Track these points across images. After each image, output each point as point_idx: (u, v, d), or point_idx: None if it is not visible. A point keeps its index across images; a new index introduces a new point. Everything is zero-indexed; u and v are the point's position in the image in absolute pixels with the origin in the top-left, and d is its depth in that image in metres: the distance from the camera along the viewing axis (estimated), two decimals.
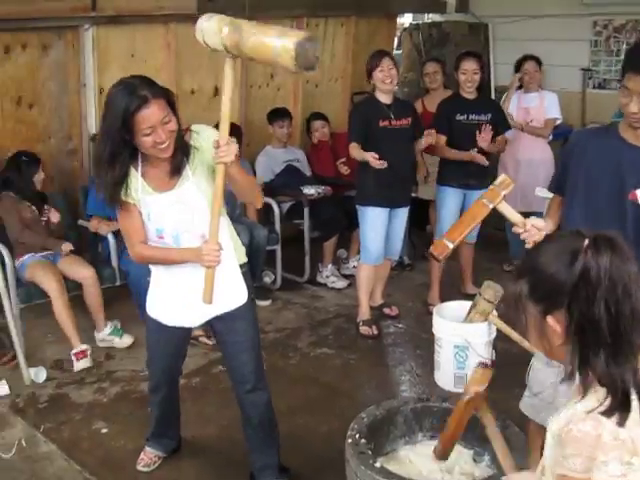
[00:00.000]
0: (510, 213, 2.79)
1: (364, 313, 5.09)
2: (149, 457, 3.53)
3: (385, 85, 4.75)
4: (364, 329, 5.02)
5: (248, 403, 3.18)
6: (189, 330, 3.24)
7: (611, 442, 1.41)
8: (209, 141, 2.73)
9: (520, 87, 6.02)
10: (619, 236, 1.51)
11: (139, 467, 3.50)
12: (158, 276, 3.04)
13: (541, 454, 1.78)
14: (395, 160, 4.74)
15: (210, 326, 3.20)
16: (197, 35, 2.49)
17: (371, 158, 4.60)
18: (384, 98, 4.81)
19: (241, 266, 3.02)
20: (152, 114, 2.60)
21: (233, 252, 2.98)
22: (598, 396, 1.47)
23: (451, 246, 2.82)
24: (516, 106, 5.84)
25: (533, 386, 3.07)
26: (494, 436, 2.47)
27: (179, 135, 2.74)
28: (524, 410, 3.11)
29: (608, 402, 1.45)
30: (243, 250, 3.11)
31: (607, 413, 1.44)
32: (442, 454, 2.64)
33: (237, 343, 3.07)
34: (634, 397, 1.46)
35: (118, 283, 4.98)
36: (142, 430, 3.60)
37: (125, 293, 4.98)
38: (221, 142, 2.57)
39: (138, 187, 2.79)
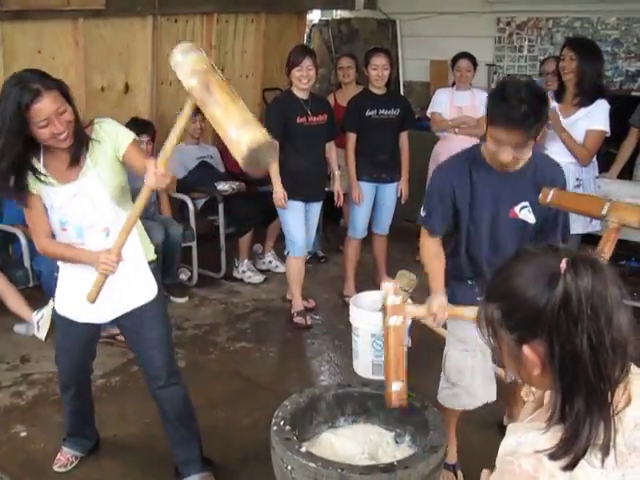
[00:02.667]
0: (416, 313, 3.00)
1: (298, 305, 5.17)
2: (66, 457, 3.50)
3: (301, 84, 4.83)
4: (298, 319, 5.10)
5: (163, 398, 3.19)
6: (98, 327, 3.22)
7: None
8: (111, 135, 2.83)
9: (453, 84, 6.13)
10: (598, 256, 1.40)
11: (55, 468, 3.46)
12: (66, 272, 3.03)
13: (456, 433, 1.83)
14: (310, 156, 4.83)
15: (118, 324, 3.19)
16: (170, 61, 2.42)
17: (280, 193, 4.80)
18: (301, 94, 4.88)
19: (149, 262, 3.05)
20: (45, 106, 2.62)
21: (141, 249, 3.01)
22: (558, 436, 1.33)
23: (401, 385, 2.80)
24: (448, 104, 5.88)
25: (451, 376, 3.16)
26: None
27: (77, 125, 2.77)
28: (443, 402, 3.20)
29: (563, 444, 1.32)
30: (152, 247, 3.14)
31: (556, 456, 1.31)
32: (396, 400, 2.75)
33: (147, 340, 3.08)
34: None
35: (31, 284, 4.88)
36: (62, 433, 3.54)
37: (39, 294, 4.89)
38: (157, 171, 2.51)
39: (41, 178, 2.80)
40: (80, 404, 3.42)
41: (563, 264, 1.32)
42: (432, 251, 3.09)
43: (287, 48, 7.25)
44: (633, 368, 1.40)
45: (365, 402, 2.99)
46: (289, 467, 2.52)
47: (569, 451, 1.30)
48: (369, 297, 4.51)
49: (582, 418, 1.31)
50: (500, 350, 1.45)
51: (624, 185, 5.05)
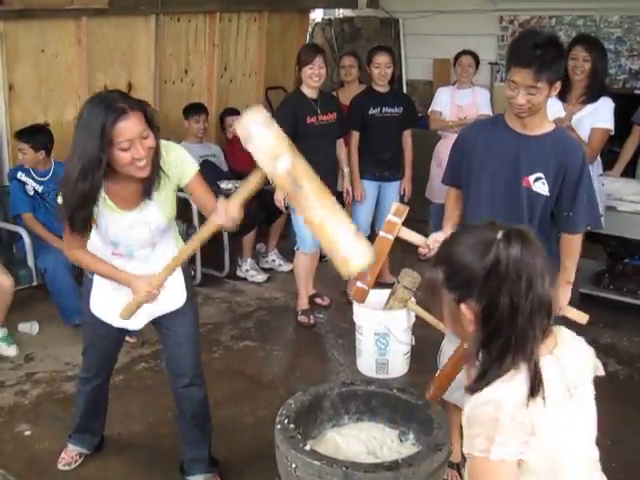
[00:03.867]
0: (412, 237, 2.94)
1: (303, 303, 5.17)
2: (70, 455, 3.49)
3: (312, 82, 4.82)
4: (302, 318, 5.10)
5: (184, 397, 3.19)
6: (128, 330, 3.24)
7: (509, 423, 1.49)
8: (176, 166, 2.74)
9: (455, 83, 6.12)
10: (530, 231, 1.59)
11: (60, 466, 3.46)
12: (102, 278, 2.97)
13: (460, 433, 1.89)
14: (321, 155, 4.84)
15: (152, 321, 3.16)
16: (241, 126, 2.24)
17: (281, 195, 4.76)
18: (310, 93, 4.88)
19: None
20: (131, 126, 2.49)
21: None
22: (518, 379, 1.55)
23: (367, 289, 3.08)
24: (449, 103, 5.88)
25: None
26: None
27: (157, 156, 2.65)
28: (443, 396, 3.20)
29: (480, 375, 1.58)
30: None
31: (475, 387, 1.57)
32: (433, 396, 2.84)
33: (178, 335, 3.09)
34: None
35: (35, 283, 4.89)
36: (66, 431, 3.54)
37: (43, 293, 4.90)
38: (230, 211, 2.47)
39: (100, 204, 2.67)
40: (97, 396, 3.41)
41: (499, 235, 1.55)
42: (450, 201, 3.23)
43: (290, 47, 7.30)
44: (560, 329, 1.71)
45: (369, 400, 2.99)
46: (293, 465, 2.52)
47: (485, 379, 1.55)
48: (372, 296, 4.51)
49: (495, 359, 1.56)
50: (442, 310, 1.67)
51: (627, 183, 5.06)
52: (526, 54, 2.73)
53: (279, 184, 2.21)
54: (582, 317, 2.99)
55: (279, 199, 4.85)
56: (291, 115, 4.82)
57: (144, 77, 6.04)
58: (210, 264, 5.90)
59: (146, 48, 5.97)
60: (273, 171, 2.21)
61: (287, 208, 4.99)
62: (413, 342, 4.34)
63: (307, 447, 2.55)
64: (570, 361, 1.65)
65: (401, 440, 2.90)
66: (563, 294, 2.98)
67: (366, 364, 4.36)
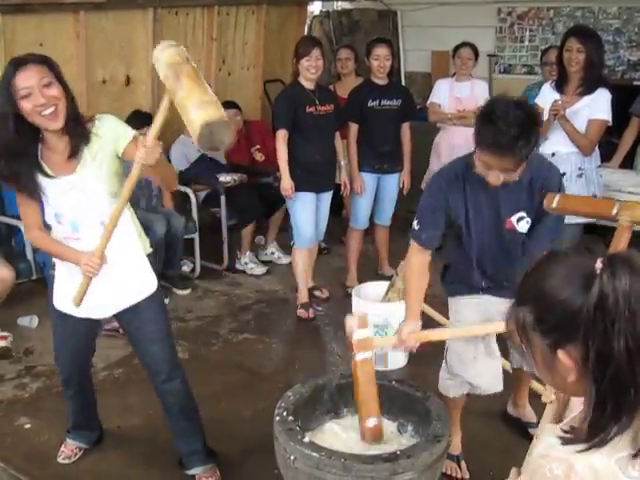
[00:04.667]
0: (381, 343, 2.99)
1: (302, 297, 5.18)
2: (70, 449, 3.51)
3: (310, 74, 4.84)
4: (301, 312, 5.11)
5: (166, 393, 3.19)
6: (98, 322, 3.22)
7: None
8: (111, 130, 2.79)
9: (454, 75, 6.12)
10: (637, 255, 1.30)
11: (60, 459, 3.47)
12: (63, 266, 3.00)
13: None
14: (321, 146, 4.86)
15: (117, 319, 3.19)
16: (152, 59, 2.52)
17: (288, 183, 4.81)
18: (308, 84, 4.89)
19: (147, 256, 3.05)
20: (28, 76, 2.61)
21: (139, 242, 3.01)
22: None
23: (376, 423, 2.79)
24: (448, 95, 5.86)
25: (453, 366, 3.16)
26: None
27: (76, 115, 2.76)
28: (444, 392, 3.21)
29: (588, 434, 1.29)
30: (147, 241, 3.12)
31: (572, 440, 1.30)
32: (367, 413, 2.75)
33: (146, 334, 3.08)
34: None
35: (34, 277, 4.90)
36: (66, 424, 3.55)
37: (42, 286, 4.89)
38: (147, 143, 2.53)
39: (42, 169, 2.78)
40: (82, 400, 3.43)
41: (599, 264, 1.26)
42: (417, 268, 3.09)
43: (288, 40, 7.29)
44: None
45: None
46: (292, 457, 2.53)
47: (588, 440, 1.27)
48: (371, 288, 4.55)
49: (609, 418, 1.27)
50: (533, 357, 1.38)
51: (626, 175, 5.07)
52: (503, 139, 2.56)
53: (166, 83, 2.41)
54: None
55: (286, 188, 4.85)
56: (289, 104, 4.84)
57: (142, 71, 6.03)
58: (209, 257, 5.91)
59: (144, 42, 5.95)
60: (165, 77, 2.42)
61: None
62: None
63: (306, 439, 2.56)
64: None
65: (400, 432, 2.92)
66: None
67: None
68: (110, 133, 2.80)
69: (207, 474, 3.29)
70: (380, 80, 5.23)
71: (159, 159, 2.61)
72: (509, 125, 2.54)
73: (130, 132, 2.84)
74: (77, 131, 2.77)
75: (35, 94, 2.62)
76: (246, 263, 5.94)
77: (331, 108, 4.98)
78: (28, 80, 2.61)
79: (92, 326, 3.19)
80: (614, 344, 1.22)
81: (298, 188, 4.92)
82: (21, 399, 4.03)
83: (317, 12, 8.53)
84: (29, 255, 4.82)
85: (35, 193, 2.82)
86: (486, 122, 2.62)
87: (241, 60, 6.98)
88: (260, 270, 5.91)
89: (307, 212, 5.02)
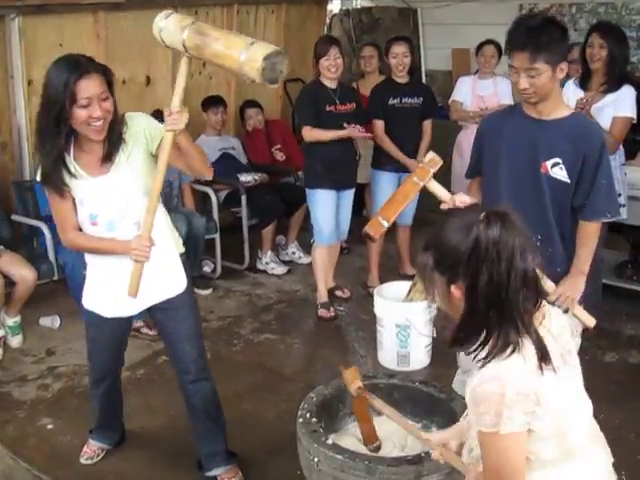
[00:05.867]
0: (439, 190, 2.86)
1: (322, 296, 5.15)
2: (92, 450, 3.50)
3: (330, 74, 4.84)
4: (322, 311, 5.08)
5: (192, 393, 3.18)
6: (129, 320, 3.21)
7: (514, 397, 1.56)
8: (144, 129, 2.80)
9: (476, 72, 6.08)
10: (512, 211, 1.64)
11: (82, 460, 3.47)
12: (93, 267, 3.00)
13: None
14: (341, 144, 4.84)
15: (151, 316, 3.19)
16: (154, 31, 2.56)
17: (348, 132, 4.81)
18: (329, 83, 4.89)
19: (179, 256, 3.03)
20: (92, 85, 2.61)
21: (172, 240, 2.99)
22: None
23: (386, 225, 2.86)
24: (470, 94, 5.80)
25: (463, 364, 3.14)
26: (389, 412, 2.55)
27: (114, 121, 2.74)
28: (456, 389, 3.18)
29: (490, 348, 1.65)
30: (180, 240, 3.12)
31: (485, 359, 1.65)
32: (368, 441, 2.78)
33: (178, 332, 3.07)
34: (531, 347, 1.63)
35: (56, 277, 4.92)
36: (88, 425, 3.55)
37: (64, 287, 4.92)
38: (173, 110, 2.58)
39: (71, 170, 2.77)
40: (110, 398, 3.42)
41: (480, 217, 1.61)
42: (473, 189, 3.20)
43: (308, 38, 7.27)
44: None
45: (392, 393, 2.98)
46: (315, 459, 2.52)
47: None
48: (393, 288, 4.52)
49: (499, 336, 1.63)
50: (435, 293, 1.72)
51: None
52: (520, 37, 2.75)
53: (191, 47, 2.44)
54: (590, 320, 2.86)
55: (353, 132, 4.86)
56: (310, 101, 4.84)
57: (163, 70, 6.05)
58: (230, 257, 5.90)
59: None
60: (184, 38, 2.44)
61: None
62: (434, 334, 4.31)
63: (329, 441, 2.55)
64: (559, 330, 1.74)
65: None
66: (574, 285, 2.86)
67: (387, 357, 4.34)
68: (143, 132, 2.80)
69: (229, 474, 3.28)
70: (400, 79, 5.20)
71: (187, 134, 2.66)
72: (527, 27, 2.75)
73: (162, 130, 2.83)
74: (114, 137, 2.76)
75: (94, 105, 2.62)
76: (267, 263, 5.93)
77: (352, 107, 4.96)
78: (90, 90, 2.61)
79: (124, 324, 3.19)
80: (479, 279, 1.59)
81: (319, 185, 4.91)
82: (43, 400, 4.03)
83: (337, 10, 8.50)
84: (51, 256, 4.83)
85: (67, 193, 2.81)
86: (511, 28, 2.84)
87: None
88: (281, 270, 5.90)
89: (327, 209, 4.99)
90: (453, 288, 1.65)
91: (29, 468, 3.42)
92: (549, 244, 2.84)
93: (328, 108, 4.85)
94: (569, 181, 2.83)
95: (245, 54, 2.30)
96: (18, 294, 4.57)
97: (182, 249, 3.07)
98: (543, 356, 1.62)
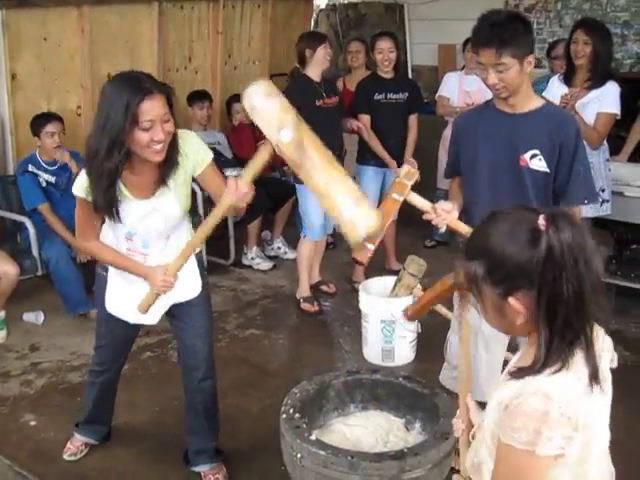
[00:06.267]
0: (419, 201, 2.85)
1: (304, 290, 5.15)
2: (76, 446, 3.48)
3: (326, 63, 4.89)
4: (305, 306, 5.09)
5: (198, 391, 3.16)
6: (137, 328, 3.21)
7: (558, 418, 1.43)
8: (193, 154, 2.74)
9: (462, 68, 6.09)
10: (569, 211, 1.52)
11: (65, 456, 3.44)
12: (115, 272, 2.96)
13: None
14: (329, 138, 4.81)
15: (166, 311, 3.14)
16: (244, 103, 2.20)
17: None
18: (315, 77, 4.90)
19: (196, 254, 2.99)
20: (155, 107, 2.51)
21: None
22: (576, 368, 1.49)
23: (372, 247, 2.77)
24: (457, 89, 5.84)
25: (451, 360, 3.14)
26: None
27: (173, 143, 2.65)
28: (444, 383, 3.18)
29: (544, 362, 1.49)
30: None
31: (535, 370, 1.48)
32: (412, 316, 2.79)
33: (192, 328, 3.06)
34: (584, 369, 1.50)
35: (40, 273, 4.89)
36: (72, 421, 3.54)
37: (47, 282, 4.90)
38: (241, 189, 2.39)
39: (116, 193, 2.67)
40: (108, 390, 3.40)
41: (542, 220, 1.45)
42: (453, 189, 3.18)
43: (294, 33, 7.23)
44: None
45: (375, 389, 2.98)
46: (299, 455, 2.51)
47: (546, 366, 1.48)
48: (379, 283, 4.52)
49: (563, 350, 1.48)
50: (483, 305, 1.57)
51: (635, 168, 5.01)
52: (485, 34, 2.76)
53: (285, 153, 2.16)
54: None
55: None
56: (298, 97, 4.81)
57: (148, 65, 6.00)
58: (216, 252, 5.88)
59: (149, 36, 5.94)
60: (279, 140, 2.15)
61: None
62: (419, 330, 4.32)
63: (312, 437, 2.55)
64: (601, 352, 1.59)
65: (407, 429, 2.90)
66: None
67: (372, 352, 4.34)
68: (192, 156, 2.74)
69: (214, 471, 3.27)
70: (386, 74, 5.20)
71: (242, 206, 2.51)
72: (490, 23, 2.76)
73: (210, 155, 2.82)
74: (172, 161, 2.68)
75: (156, 128, 2.52)
76: (252, 258, 5.92)
77: (336, 100, 4.98)
78: (153, 112, 2.50)
79: (138, 328, 3.20)
80: (564, 289, 1.43)
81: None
82: (27, 396, 4.01)
83: (323, 5, 8.49)
84: (35, 251, 4.80)
85: (109, 213, 2.72)
86: (477, 23, 2.82)
87: (247, 54, 6.96)
88: (267, 265, 5.89)
89: (318, 204, 4.99)
90: (512, 300, 1.49)
91: (11, 465, 3.40)
92: None
93: (317, 103, 4.86)
94: (549, 171, 2.84)
95: (350, 212, 2.11)
96: (1, 290, 4.55)
97: (199, 247, 3.00)
98: (595, 375, 1.49)
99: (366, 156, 5.29)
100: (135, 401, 3.91)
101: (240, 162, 6.05)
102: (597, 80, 4.34)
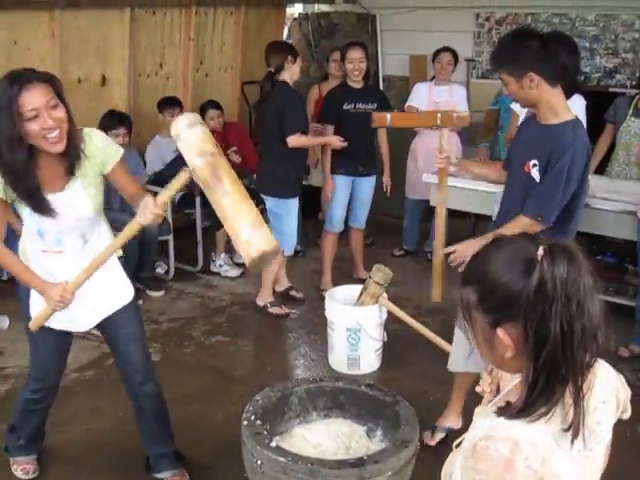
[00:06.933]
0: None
1: (268, 295, 5.18)
2: (29, 465, 3.36)
3: (297, 75, 4.95)
4: (274, 310, 5.13)
5: (140, 395, 3.15)
6: (71, 335, 3.15)
7: (524, 470, 1.33)
8: (101, 151, 2.75)
9: (432, 79, 6.14)
10: (575, 245, 1.41)
11: (22, 476, 3.33)
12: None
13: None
14: (298, 151, 4.90)
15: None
16: (171, 131, 2.43)
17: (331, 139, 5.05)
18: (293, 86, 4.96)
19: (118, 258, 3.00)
20: (37, 96, 2.49)
21: (116, 256, 2.95)
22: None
23: None
24: (426, 100, 5.86)
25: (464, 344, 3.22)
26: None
27: (71, 133, 2.63)
28: (453, 369, 3.44)
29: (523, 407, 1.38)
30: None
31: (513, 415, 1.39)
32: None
33: (126, 335, 3.05)
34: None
35: (5, 278, 4.85)
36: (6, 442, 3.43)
37: (12, 287, 4.84)
38: (157, 210, 2.54)
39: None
40: (47, 411, 3.34)
41: (540, 251, 1.36)
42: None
43: (266, 41, 7.24)
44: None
45: (337, 397, 2.99)
46: (259, 462, 2.52)
47: (523, 413, 1.37)
48: (345, 291, 4.54)
49: (542, 393, 1.37)
50: (474, 333, 1.48)
51: (600, 181, 5.09)
52: (493, 53, 3.13)
53: (200, 176, 2.37)
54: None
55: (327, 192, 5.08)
56: (304, 109, 5.03)
57: (119, 70, 5.99)
58: (183, 259, 5.88)
59: (121, 41, 5.91)
60: (196, 165, 2.38)
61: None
62: (385, 338, 4.34)
63: (273, 444, 2.55)
64: (595, 404, 1.46)
65: (369, 436, 2.91)
66: (473, 244, 3.04)
67: (338, 360, 4.35)
68: (100, 153, 2.75)
69: (176, 477, 3.27)
70: (355, 83, 5.23)
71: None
72: (499, 42, 3.31)
73: (120, 152, 2.83)
74: (73, 152, 2.67)
75: (43, 116, 2.50)
76: (221, 265, 5.91)
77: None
78: (35, 101, 2.48)
79: (70, 337, 3.15)
80: (551, 325, 1.33)
81: (293, 194, 5.02)
82: None
83: (296, 14, 8.51)
84: None
85: (7, 204, 2.73)
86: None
87: (219, 61, 6.95)
88: (235, 272, 5.89)
89: (295, 217, 5.09)
90: (500, 332, 1.39)
91: None
92: None
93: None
94: (538, 182, 3.03)
95: (246, 233, 2.33)
96: None
97: (120, 252, 3.01)
98: (576, 429, 1.37)
99: (335, 165, 5.29)
100: (98, 407, 3.89)
101: None
102: (564, 93, 4.39)
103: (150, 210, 2.53)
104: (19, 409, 3.28)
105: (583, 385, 1.39)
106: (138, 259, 5.31)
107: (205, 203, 5.64)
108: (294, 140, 4.82)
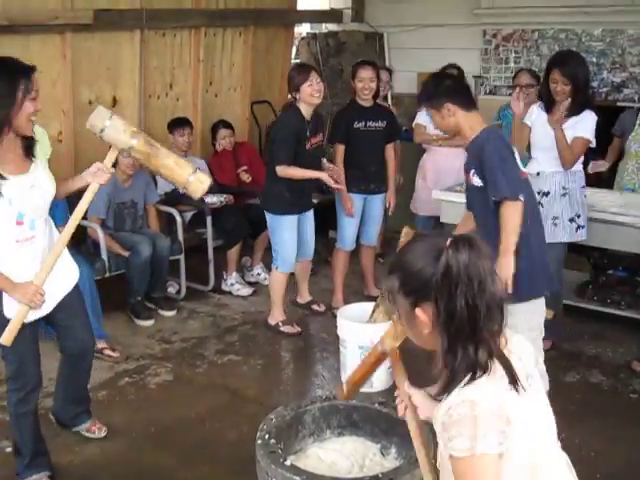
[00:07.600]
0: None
1: (279, 315, 5.17)
2: None
3: (315, 99, 4.79)
4: (286, 328, 5.11)
5: (88, 366, 3.55)
6: (37, 326, 3.24)
7: (488, 417, 1.57)
8: (43, 137, 3.07)
9: None
10: (478, 237, 1.69)
11: None
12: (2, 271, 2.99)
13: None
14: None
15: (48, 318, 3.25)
16: (87, 125, 2.87)
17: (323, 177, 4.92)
18: (307, 112, 4.86)
19: None
20: (36, 80, 2.84)
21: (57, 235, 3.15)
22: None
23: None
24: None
25: None
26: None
27: None
28: None
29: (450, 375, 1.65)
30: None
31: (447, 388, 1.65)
32: (346, 396, 2.72)
33: (78, 318, 3.36)
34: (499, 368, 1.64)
35: None
36: (50, 443, 3.49)
37: None
38: (105, 168, 2.97)
39: None
40: (36, 417, 3.36)
41: (447, 242, 1.64)
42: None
43: (275, 61, 7.34)
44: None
45: (351, 415, 2.99)
46: None
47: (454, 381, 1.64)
48: (357, 309, 4.54)
49: (467, 360, 1.63)
50: (399, 314, 1.75)
51: (609, 195, 5.09)
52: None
53: (139, 151, 2.92)
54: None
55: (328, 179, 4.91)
56: (294, 139, 4.77)
57: (129, 92, 6.04)
58: (195, 278, 5.89)
59: (131, 63, 5.97)
60: (132, 143, 2.89)
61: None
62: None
63: (287, 462, 2.55)
64: (521, 353, 1.75)
65: (383, 454, 2.90)
66: (503, 264, 3.23)
67: None
68: (45, 140, 3.08)
69: (97, 425, 3.75)
70: (365, 102, 5.25)
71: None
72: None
73: (49, 151, 3.12)
74: (31, 137, 2.95)
75: (38, 100, 2.83)
76: (232, 284, 5.92)
77: (320, 138, 5.02)
78: (37, 84, 2.83)
79: (35, 330, 3.24)
80: (457, 302, 1.61)
81: (288, 211, 4.96)
82: (3, 422, 3.94)
83: (304, 34, 8.56)
84: None
85: None
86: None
87: (228, 81, 6.99)
88: (246, 291, 5.90)
89: (294, 233, 5.02)
90: (418, 311, 1.67)
91: None
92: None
93: (304, 143, 4.86)
94: (482, 184, 3.37)
95: (194, 177, 2.98)
96: None
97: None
98: (512, 376, 1.63)
99: (347, 183, 5.28)
100: (112, 427, 3.87)
101: (221, 188, 6.08)
102: (576, 108, 4.42)
103: (103, 168, 2.97)
104: (13, 421, 3.35)
105: (498, 343, 1.66)
106: (150, 279, 5.33)
107: (216, 222, 5.73)
108: (281, 171, 4.79)
